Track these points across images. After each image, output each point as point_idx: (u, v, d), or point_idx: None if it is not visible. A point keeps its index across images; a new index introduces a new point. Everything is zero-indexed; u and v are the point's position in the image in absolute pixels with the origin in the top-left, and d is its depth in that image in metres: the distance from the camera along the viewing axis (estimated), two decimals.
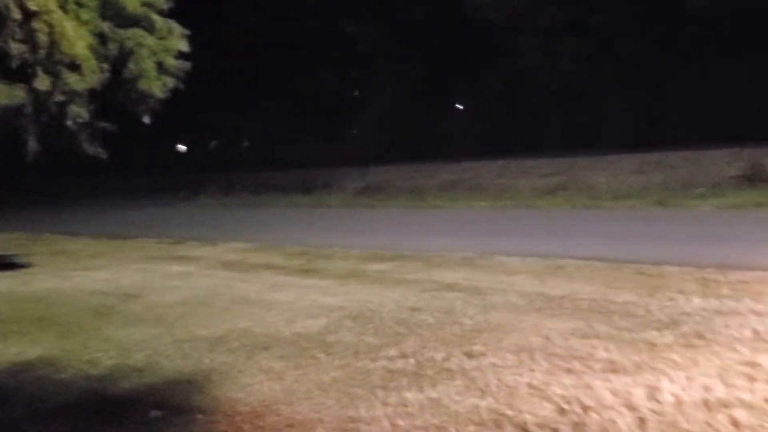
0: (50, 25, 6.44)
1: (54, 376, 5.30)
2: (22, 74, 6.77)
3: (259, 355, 5.38)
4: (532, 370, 4.50)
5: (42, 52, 6.60)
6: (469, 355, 4.90)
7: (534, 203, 15.77)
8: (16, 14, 6.22)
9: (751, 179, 15.64)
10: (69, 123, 7.54)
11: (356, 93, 35.29)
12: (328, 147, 32.95)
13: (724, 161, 16.89)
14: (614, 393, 4.02)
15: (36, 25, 6.41)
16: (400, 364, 4.86)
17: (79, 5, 6.91)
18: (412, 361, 4.90)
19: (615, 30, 23.26)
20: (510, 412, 3.84)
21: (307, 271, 9.42)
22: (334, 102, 35.08)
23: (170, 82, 8.15)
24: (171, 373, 5.09)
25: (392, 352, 5.16)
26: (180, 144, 40.74)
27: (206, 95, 28.24)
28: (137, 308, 7.54)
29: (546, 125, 26.89)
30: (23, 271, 11.04)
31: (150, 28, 7.84)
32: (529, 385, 4.23)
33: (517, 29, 25.33)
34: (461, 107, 30.92)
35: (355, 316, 6.43)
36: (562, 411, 3.82)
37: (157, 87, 7.94)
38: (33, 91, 6.80)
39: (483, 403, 3.99)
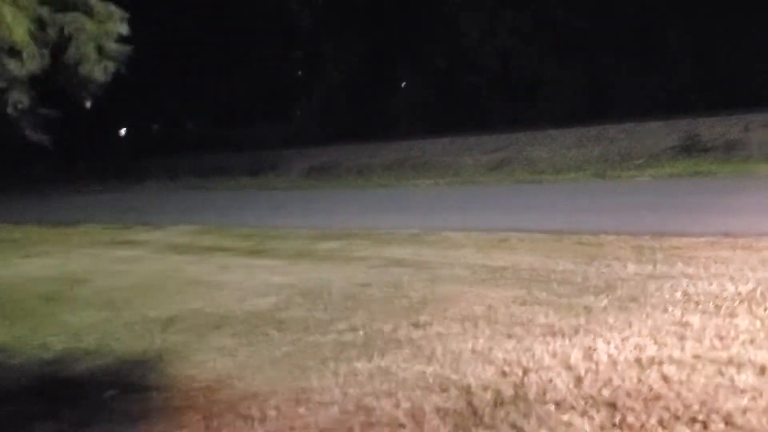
0: None
1: (5, 362, 5.32)
2: None
3: (210, 333, 5.47)
4: (475, 337, 4.69)
5: None
6: (416, 326, 5.07)
7: (478, 179, 16.05)
8: None
9: (688, 149, 16.15)
10: (10, 110, 7.44)
11: (300, 73, 35.09)
12: (274, 128, 32.75)
13: (662, 133, 17.37)
14: (553, 355, 4.23)
15: None
16: (349, 336, 5.01)
17: None
18: (361, 333, 5.05)
19: (553, 4, 23.62)
20: (454, 377, 4.02)
21: (256, 252, 9.49)
22: (279, 83, 34.86)
23: (111, 66, 8.08)
24: (123, 354, 5.16)
25: (342, 325, 5.30)
26: (122, 128, 40.04)
27: (148, 78, 27.79)
28: (86, 293, 7.54)
29: (488, 102, 27.19)
30: None
31: (89, 12, 7.76)
32: (473, 351, 4.42)
33: (459, 6, 25.53)
34: (405, 84, 31.03)
35: (305, 293, 6.55)
36: (503, 373, 4.01)
37: (99, 71, 7.87)
38: None
39: (429, 369, 4.17)
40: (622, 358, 4.10)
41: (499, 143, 19.22)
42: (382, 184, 17.54)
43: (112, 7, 8.02)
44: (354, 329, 5.17)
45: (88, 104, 8.77)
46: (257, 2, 30.67)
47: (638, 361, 4.03)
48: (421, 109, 28.55)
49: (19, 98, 7.46)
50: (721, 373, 3.74)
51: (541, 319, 4.95)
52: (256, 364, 4.63)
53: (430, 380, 4.00)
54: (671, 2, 21.01)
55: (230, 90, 33.88)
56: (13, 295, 7.86)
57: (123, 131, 40.27)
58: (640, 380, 3.74)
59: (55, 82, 8.06)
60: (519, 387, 3.82)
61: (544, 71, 25.38)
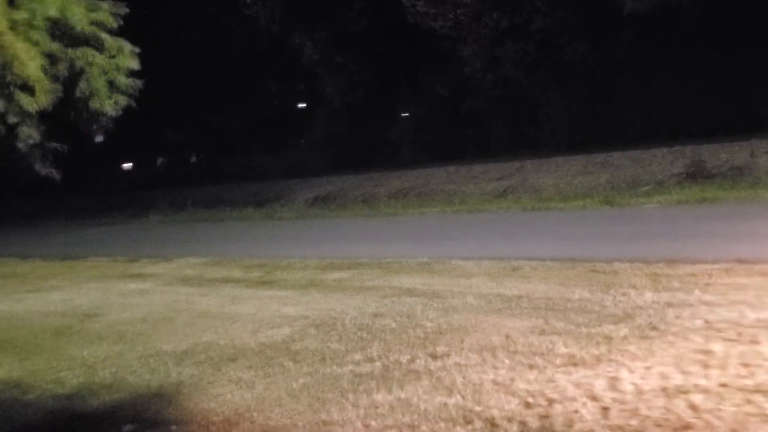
0: (2, 47, 6.42)
1: (20, 397, 5.29)
2: None
3: (226, 366, 5.44)
4: (495, 368, 4.66)
5: None
6: (434, 356, 5.04)
7: (484, 207, 16.02)
8: None
9: (694, 176, 16.13)
10: (20, 145, 7.47)
11: (303, 104, 35.26)
12: (277, 159, 32.85)
13: (667, 159, 17.37)
14: (576, 385, 4.19)
15: None
16: (367, 367, 4.98)
17: (30, 26, 6.88)
18: (378, 364, 5.02)
19: (555, 34, 23.77)
20: (478, 408, 3.98)
21: (265, 283, 9.46)
22: (281, 114, 35.03)
23: (122, 100, 8.13)
24: (139, 388, 5.13)
25: (358, 356, 5.27)
26: (126, 162, 40.17)
27: (151, 112, 27.90)
28: (97, 327, 7.51)
29: (491, 130, 27.26)
30: None
31: (100, 47, 7.82)
32: (494, 382, 4.38)
33: (461, 37, 25.70)
34: (407, 115, 31.14)
35: (318, 324, 6.52)
36: (527, 404, 3.98)
37: (110, 105, 7.90)
38: None
39: (451, 401, 4.13)
40: (647, 387, 4.06)
41: (504, 171, 19.21)
42: (389, 213, 17.52)
43: (123, 42, 8.08)
44: (371, 360, 5.14)
45: (98, 138, 8.82)
46: (259, 36, 30.90)
47: (664, 390, 4.00)
48: (424, 137, 28.62)
49: (30, 133, 7.47)
50: (750, 401, 3.70)
51: (562, 349, 4.91)
52: (274, 396, 4.60)
53: (453, 412, 3.96)
54: (670, 30, 21.15)
55: (232, 122, 34.04)
56: (23, 330, 7.83)
57: (127, 165, 40.39)
58: (667, 410, 3.71)
59: (66, 117, 8.08)
60: (545, 418, 3.78)
61: (546, 99, 25.49)
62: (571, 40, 23.47)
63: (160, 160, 40.73)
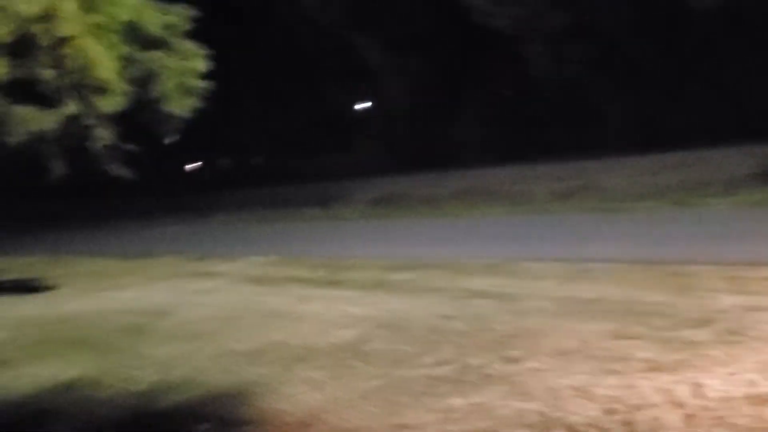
0: (79, 51, 6.57)
1: (96, 395, 5.37)
2: (50, 99, 6.88)
3: (297, 366, 5.44)
4: (573, 373, 4.54)
5: (72, 77, 6.73)
6: (508, 360, 4.94)
7: (551, 208, 15.79)
8: (47, 41, 6.35)
9: (767, 176, 15.62)
10: (95, 146, 7.64)
11: (365, 104, 35.35)
12: (339, 159, 33.00)
13: (738, 159, 16.85)
14: (658, 391, 4.06)
15: (65, 50, 6.53)
16: (439, 371, 4.91)
17: (105, 30, 7.03)
18: (451, 367, 4.95)
19: (621, 33, 23.29)
20: (557, 414, 3.88)
21: (332, 283, 9.48)
22: (344, 114, 35.18)
23: (192, 102, 8.25)
24: (212, 387, 5.16)
25: (430, 359, 5.21)
26: (192, 163, 40.92)
27: (216, 113, 28.36)
28: (169, 325, 7.61)
29: (555, 130, 26.87)
30: (49, 293, 11.14)
31: (171, 50, 7.95)
32: (572, 387, 4.27)
33: (524, 36, 25.40)
34: (470, 115, 30.93)
35: (387, 325, 6.48)
36: (609, 411, 3.86)
37: (181, 107, 8.04)
38: (61, 116, 6.91)
39: (529, 407, 4.04)
40: (732, 394, 3.90)
41: (570, 171, 18.87)
42: (452, 214, 17.40)
43: (193, 45, 8.19)
44: (443, 363, 5.07)
45: (169, 139, 8.99)
46: (322, 36, 31.10)
47: (751, 397, 3.83)
48: (487, 137, 28.37)
49: (104, 134, 7.64)
50: None
51: (640, 354, 4.76)
52: (347, 398, 4.57)
53: (532, 418, 3.87)
54: (739, 26, 20.52)
55: (295, 123, 34.34)
56: (97, 328, 7.98)
57: (192, 165, 41.11)
58: (759, 417, 3.55)
59: (138, 118, 8.24)
60: (627, 425, 3.67)
61: (611, 98, 25.00)
62: (637, 39, 22.98)
63: (224, 161, 41.38)
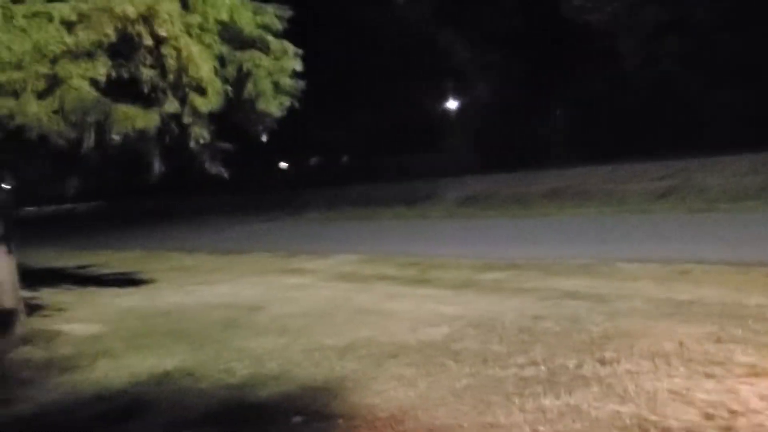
0: (178, 50, 6.77)
1: (193, 386, 5.53)
2: (150, 99, 7.12)
3: (387, 362, 5.47)
4: (670, 376, 4.42)
5: (171, 77, 6.94)
6: (602, 362, 4.84)
7: (646, 208, 15.40)
8: (148, 41, 6.57)
9: None
10: (192, 144, 7.84)
11: (452, 103, 35.21)
12: (426, 158, 32.98)
13: None
14: (761, 397, 3.91)
15: (165, 50, 6.75)
16: (531, 371, 4.85)
17: (202, 30, 7.23)
18: (543, 368, 4.88)
19: (717, 28, 22.46)
20: (653, 418, 3.78)
21: (420, 281, 9.50)
22: (431, 113, 35.12)
23: (286, 101, 8.37)
24: (306, 381, 5.24)
25: (521, 359, 5.15)
26: (282, 161, 41.70)
27: (306, 112, 28.75)
28: (262, 319, 7.78)
29: (649, 128, 26.12)
30: (147, 287, 11.56)
31: (266, 49, 8.09)
32: (670, 391, 4.15)
33: (617, 31, 24.81)
34: (560, 113, 30.43)
35: (477, 324, 6.45)
36: (707, 416, 3.74)
37: (275, 106, 8.17)
38: (161, 115, 7.14)
39: (624, 409, 3.95)
40: None
41: (666, 170, 18.34)
42: (543, 213, 17.18)
43: (287, 44, 8.32)
44: (535, 364, 5.01)
45: (263, 138, 9.15)
46: (409, 35, 31.14)
47: None
48: (578, 135, 27.83)
49: (201, 133, 7.81)
50: None
51: (741, 358, 4.59)
52: (438, 395, 4.57)
53: (627, 421, 3.78)
54: None
55: (382, 121, 34.48)
56: (194, 321, 8.22)
57: (283, 164, 41.87)
58: None
59: (233, 117, 8.41)
60: (727, 431, 3.54)
61: (708, 95, 24.14)
62: (734, 33, 22.09)
63: (314, 160, 41.98)
